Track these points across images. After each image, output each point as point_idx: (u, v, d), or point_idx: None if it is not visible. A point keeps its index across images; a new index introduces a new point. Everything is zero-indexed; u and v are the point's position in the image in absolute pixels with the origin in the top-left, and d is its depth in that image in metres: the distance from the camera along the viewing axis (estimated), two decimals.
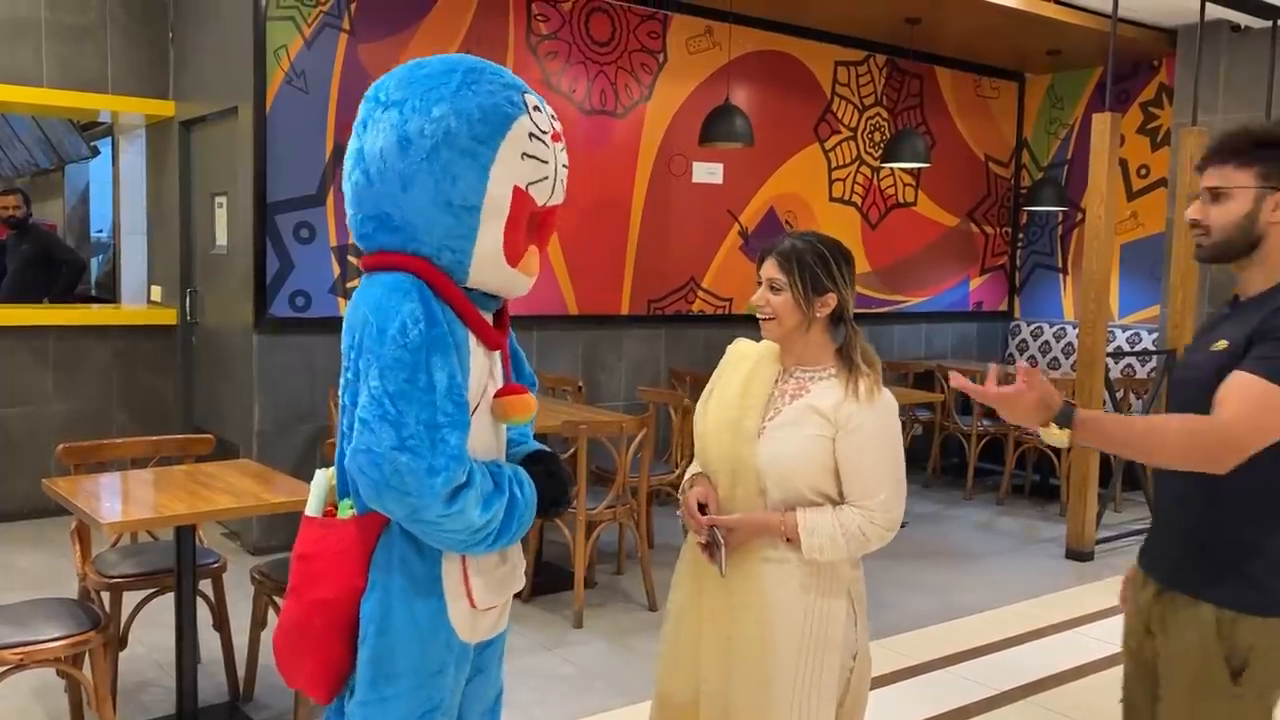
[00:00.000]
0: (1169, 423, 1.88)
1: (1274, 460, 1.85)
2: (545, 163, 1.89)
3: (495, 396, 1.94)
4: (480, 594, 1.93)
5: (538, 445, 2.15)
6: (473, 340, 1.88)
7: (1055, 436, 1.89)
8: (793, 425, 2.15)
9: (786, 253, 2.17)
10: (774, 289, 2.18)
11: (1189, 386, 2.00)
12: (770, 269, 2.19)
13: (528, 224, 1.91)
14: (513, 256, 1.89)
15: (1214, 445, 1.80)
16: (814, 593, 2.15)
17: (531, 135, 1.86)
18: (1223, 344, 1.94)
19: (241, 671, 3.63)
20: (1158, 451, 1.86)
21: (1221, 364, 1.91)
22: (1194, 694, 1.94)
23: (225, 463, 3.69)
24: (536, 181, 1.88)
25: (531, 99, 1.89)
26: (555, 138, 1.92)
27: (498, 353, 1.98)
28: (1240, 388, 1.81)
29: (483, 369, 1.91)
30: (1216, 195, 1.97)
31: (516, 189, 1.85)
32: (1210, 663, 1.90)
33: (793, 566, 2.15)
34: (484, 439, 1.92)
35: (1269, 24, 6.40)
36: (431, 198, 1.81)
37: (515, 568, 2.05)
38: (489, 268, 1.88)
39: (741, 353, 2.33)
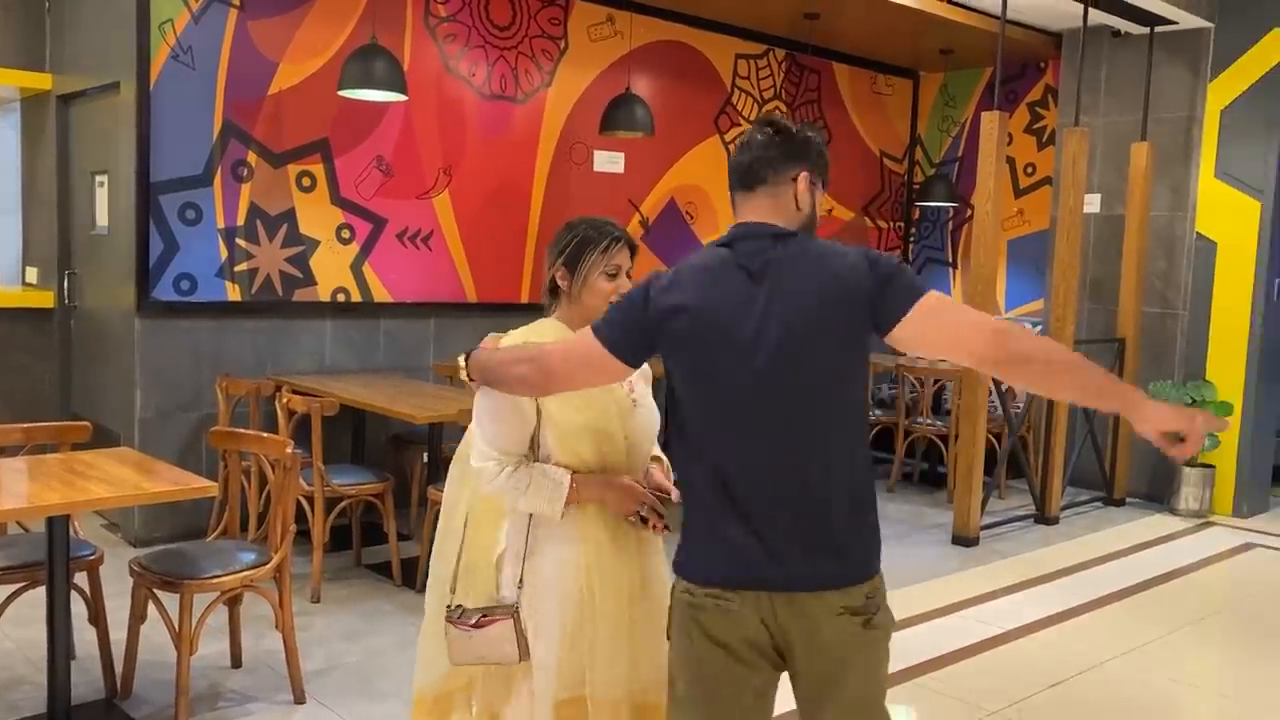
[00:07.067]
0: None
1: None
2: None
3: None
4: None
5: None
6: None
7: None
8: (647, 392, 2.36)
9: (632, 242, 2.37)
10: (630, 275, 2.36)
11: None
12: (628, 258, 2.36)
13: None
14: None
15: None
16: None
17: None
18: None
19: (119, 667, 3.50)
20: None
21: None
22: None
23: (103, 451, 3.55)
24: None
25: None
26: None
27: None
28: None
29: None
30: None
31: None
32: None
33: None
34: None
35: (1146, 30, 6.69)
36: None
37: None
38: None
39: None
